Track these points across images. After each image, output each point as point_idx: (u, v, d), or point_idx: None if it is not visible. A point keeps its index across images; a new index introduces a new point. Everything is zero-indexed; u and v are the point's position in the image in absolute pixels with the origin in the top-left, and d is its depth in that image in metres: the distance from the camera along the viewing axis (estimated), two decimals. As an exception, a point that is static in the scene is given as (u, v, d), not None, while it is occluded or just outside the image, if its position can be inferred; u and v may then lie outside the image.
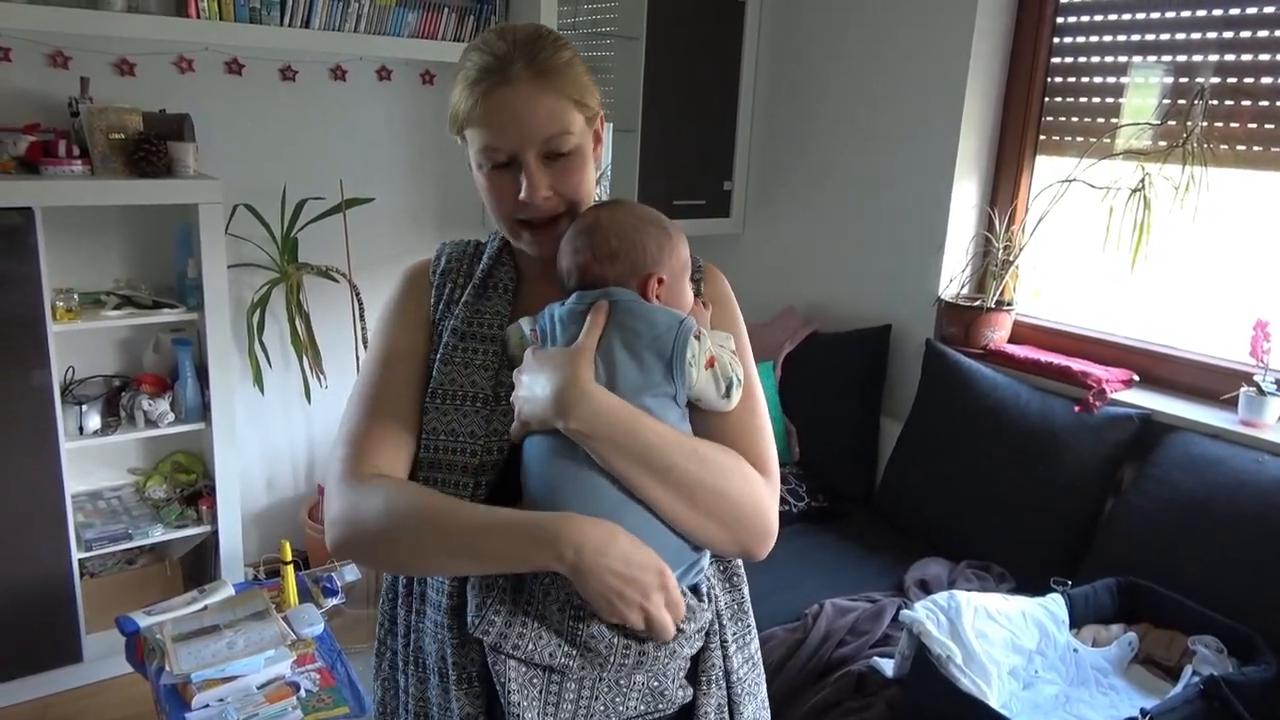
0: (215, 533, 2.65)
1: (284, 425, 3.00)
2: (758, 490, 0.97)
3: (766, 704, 1.13)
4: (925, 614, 1.77)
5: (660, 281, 0.99)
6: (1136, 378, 2.41)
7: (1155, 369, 2.41)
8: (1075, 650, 1.89)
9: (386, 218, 2.98)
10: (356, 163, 2.89)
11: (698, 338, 0.96)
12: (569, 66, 0.99)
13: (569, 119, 0.98)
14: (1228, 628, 1.86)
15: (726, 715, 1.04)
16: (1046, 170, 2.63)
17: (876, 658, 1.94)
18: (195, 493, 2.71)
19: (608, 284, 0.99)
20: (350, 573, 2.28)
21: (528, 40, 0.98)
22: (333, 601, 2.22)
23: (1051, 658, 1.86)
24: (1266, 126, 2.17)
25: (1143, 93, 2.41)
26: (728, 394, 0.98)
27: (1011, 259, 2.64)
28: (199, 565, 2.77)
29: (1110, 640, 1.94)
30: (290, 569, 2.17)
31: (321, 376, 2.83)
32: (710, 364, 0.97)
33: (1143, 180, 2.32)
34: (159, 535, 2.59)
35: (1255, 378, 2.17)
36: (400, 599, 1.07)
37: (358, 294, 2.79)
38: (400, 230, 3.02)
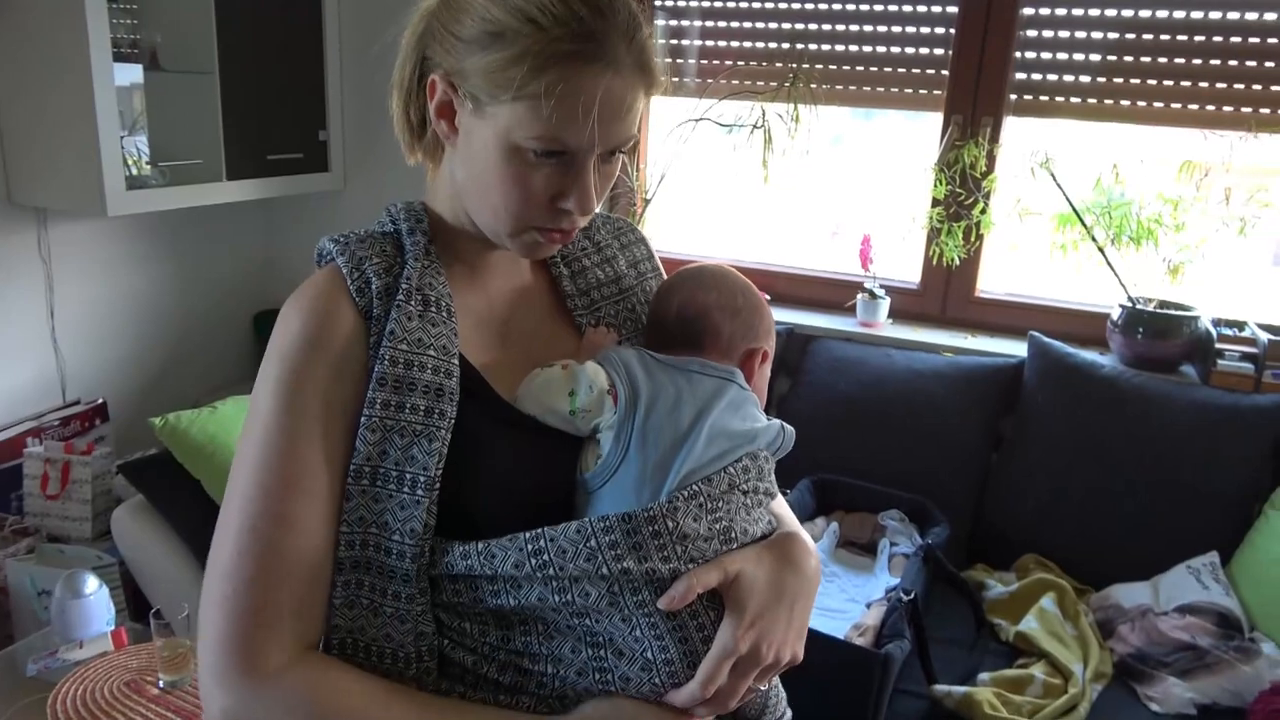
0: None
1: None
2: None
3: None
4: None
5: (765, 358, 0.96)
6: (768, 297, 2.69)
7: (787, 288, 2.71)
8: (804, 550, 2.09)
9: None
10: None
11: None
12: (657, 53, 0.78)
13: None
14: (904, 499, 2.19)
15: None
16: (677, 110, 2.72)
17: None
18: None
19: (722, 336, 0.93)
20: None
21: (629, 12, 0.75)
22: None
23: (793, 563, 2.03)
24: (872, 69, 2.50)
25: (751, 36, 2.62)
26: None
27: (647, 197, 2.74)
28: None
29: (821, 534, 2.17)
30: None
31: None
32: None
33: (761, 118, 2.54)
34: None
35: (866, 285, 2.55)
36: None
37: None
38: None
